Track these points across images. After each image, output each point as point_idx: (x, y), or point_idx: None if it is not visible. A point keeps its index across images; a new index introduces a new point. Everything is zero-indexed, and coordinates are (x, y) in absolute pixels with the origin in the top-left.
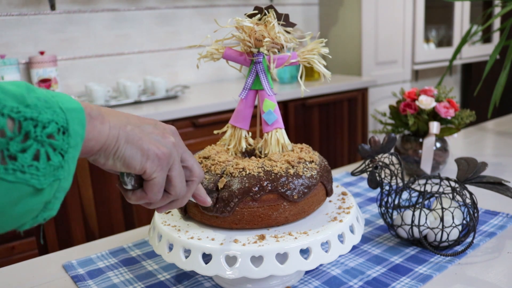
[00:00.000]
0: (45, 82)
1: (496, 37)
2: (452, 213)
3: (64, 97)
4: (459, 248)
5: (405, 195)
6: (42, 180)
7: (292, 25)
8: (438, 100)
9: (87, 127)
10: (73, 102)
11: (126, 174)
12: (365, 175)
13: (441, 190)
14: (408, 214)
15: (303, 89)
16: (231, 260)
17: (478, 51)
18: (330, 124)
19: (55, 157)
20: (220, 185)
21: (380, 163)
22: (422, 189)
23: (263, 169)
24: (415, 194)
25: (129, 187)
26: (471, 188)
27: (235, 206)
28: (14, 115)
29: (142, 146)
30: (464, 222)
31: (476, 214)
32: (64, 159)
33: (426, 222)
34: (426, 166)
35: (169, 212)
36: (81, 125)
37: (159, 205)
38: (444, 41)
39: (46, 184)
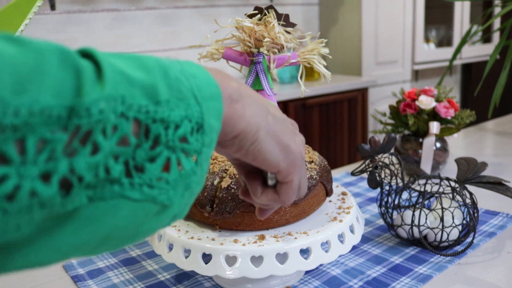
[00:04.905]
0: None
1: (496, 37)
2: (452, 213)
3: (201, 77)
4: (459, 248)
5: (405, 195)
6: (171, 195)
7: (292, 25)
8: (438, 100)
9: (226, 111)
10: (211, 86)
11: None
12: (365, 175)
13: (441, 190)
14: (408, 214)
15: (303, 89)
16: (231, 260)
17: (478, 51)
18: (330, 124)
19: (187, 163)
20: (224, 185)
21: (380, 163)
22: (422, 189)
23: None
24: (415, 194)
25: (273, 182)
26: (471, 188)
27: (235, 208)
28: (142, 117)
29: (281, 141)
30: (464, 222)
31: (476, 214)
32: (197, 163)
33: (426, 222)
34: (426, 166)
35: None
36: (218, 117)
37: (272, 209)
38: (444, 41)
39: (176, 198)
